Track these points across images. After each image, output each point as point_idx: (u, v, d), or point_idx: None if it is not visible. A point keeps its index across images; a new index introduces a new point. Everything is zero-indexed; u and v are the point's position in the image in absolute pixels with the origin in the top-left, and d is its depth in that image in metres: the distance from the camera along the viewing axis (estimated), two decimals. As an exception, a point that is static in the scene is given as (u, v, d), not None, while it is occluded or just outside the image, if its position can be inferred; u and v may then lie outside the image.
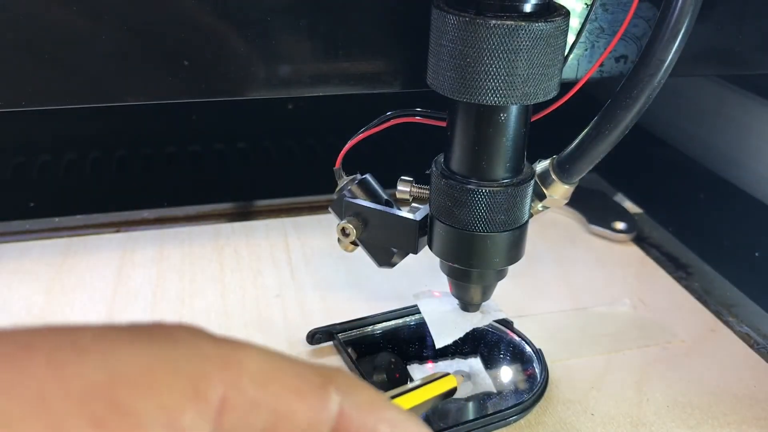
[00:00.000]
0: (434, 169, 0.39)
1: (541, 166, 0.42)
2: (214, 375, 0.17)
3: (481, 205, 0.37)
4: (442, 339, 0.43)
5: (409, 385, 0.34)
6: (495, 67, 0.33)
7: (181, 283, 0.54)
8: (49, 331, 0.17)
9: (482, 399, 0.43)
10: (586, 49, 0.41)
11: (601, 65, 0.42)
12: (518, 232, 0.39)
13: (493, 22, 0.32)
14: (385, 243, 0.43)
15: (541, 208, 0.43)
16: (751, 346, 0.49)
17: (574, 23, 0.39)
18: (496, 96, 0.34)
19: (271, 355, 0.19)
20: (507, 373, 0.45)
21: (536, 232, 0.60)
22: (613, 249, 0.61)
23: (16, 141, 0.75)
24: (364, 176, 0.45)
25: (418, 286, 0.52)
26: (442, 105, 0.39)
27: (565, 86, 0.39)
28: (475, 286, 0.41)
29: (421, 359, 0.46)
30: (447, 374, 0.36)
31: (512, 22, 0.32)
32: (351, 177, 0.45)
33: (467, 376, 0.44)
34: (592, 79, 0.40)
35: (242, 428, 0.18)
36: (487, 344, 0.47)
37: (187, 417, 0.16)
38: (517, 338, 0.47)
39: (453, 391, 0.36)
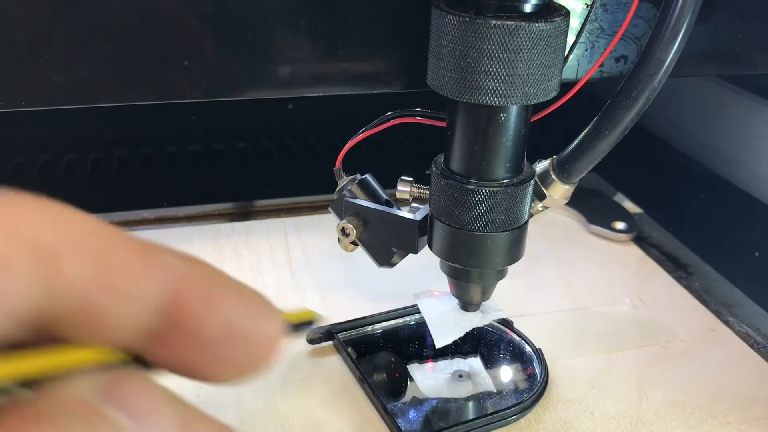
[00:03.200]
0: (434, 169, 0.39)
1: (541, 166, 0.42)
2: (36, 221, 0.16)
3: (481, 205, 0.37)
4: (442, 339, 0.43)
5: None
6: (495, 67, 0.33)
7: (181, 283, 0.54)
8: None
9: (482, 399, 0.43)
10: (586, 49, 0.41)
11: (601, 65, 0.42)
12: (518, 232, 0.39)
13: (493, 22, 0.32)
14: (385, 243, 0.43)
15: (541, 208, 0.43)
16: (751, 346, 0.49)
17: (574, 23, 0.39)
18: (496, 96, 0.34)
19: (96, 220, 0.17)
20: (507, 373, 0.45)
21: (536, 232, 0.61)
22: (613, 249, 0.61)
23: (16, 141, 0.75)
24: (364, 176, 0.45)
25: (418, 286, 0.52)
26: (442, 105, 0.39)
27: (565, 86, 0.39)
28: (475, 286, 0.42)
29: (421, 359, 0.46)
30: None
31: (512, 22, 0.32)
32: (351, 177, 0.45)
33: (467, 376, 0.44)
34: (592, 79, 0.40)
35: (66, 278, 0.16)
36: (487, 344, 0.47)
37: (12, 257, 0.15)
38: (516, 338, 0.47)
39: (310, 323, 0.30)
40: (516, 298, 0.52)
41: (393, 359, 0.46)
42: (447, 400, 0.43)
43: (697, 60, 0.44)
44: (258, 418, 0.41)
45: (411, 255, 0.44)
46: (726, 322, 0.51)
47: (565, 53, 0.36)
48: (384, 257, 0.44)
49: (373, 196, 0.44)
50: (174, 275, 0.17)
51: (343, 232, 0.43)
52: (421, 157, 0.42)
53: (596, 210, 0.64)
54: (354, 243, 0.44)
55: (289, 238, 0.60)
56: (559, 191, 0.42)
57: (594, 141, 0.39)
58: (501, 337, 0.48)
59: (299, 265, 0.56)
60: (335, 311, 0.51)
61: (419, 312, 0.45)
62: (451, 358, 0.46)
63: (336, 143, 0.76)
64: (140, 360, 0.18)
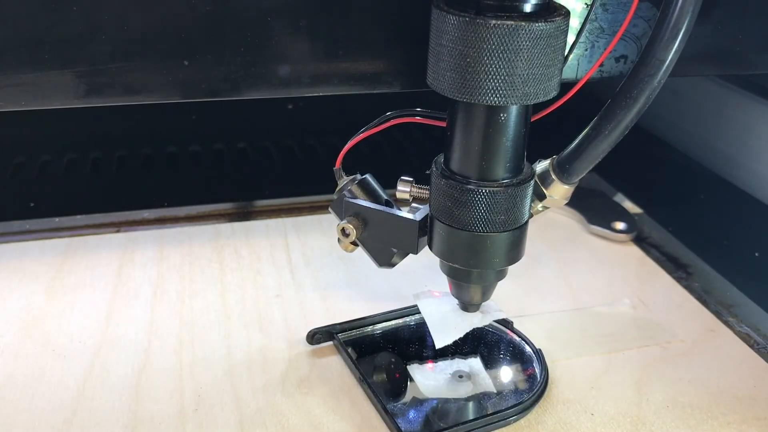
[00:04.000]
0: (434, 169, 0.39)
1: (541, 166, 0.42)
2: None
3: (481, 205, 0.37)
4: (442, 339, 0.43)
5: None
6: (495, 67, 0.33)
7: (181, 283, 0.54)
8: None
9: (482, 399, 0.43)
10: (586, 49, 0.41)
11: (601, 65, 0.42)
12: (518, 232, 0.39)
13: (493, 22, 0.32)
14: (385, 243, 0.43)
15: (541, 208, 0.43)
16: (751, 346, 0.49)
17: (574, 23, 0.39)
18: (496, 96, 0.34)
19: None
20: (507, 373, 0.45)
21: (536, 232, 0.61)
22: (613, 249, 0.61)
23: (16, 141, 0.75)
24: (364, 176, 0.45)
25: (418, 286, 0.52)
26: (442, 105, 0.39)
27: (565, 86, 0.39)
28: (475, 286, 0.41)
29: (421, 359, 0.46)
30: None
31: (512, 22, 0.32)
32: (351, 177, 0.45)
33: (467, 376, 0.44)
34: (592, 79, 0.40)
35: None
36: (487, 344, 0.47)
37: None
38: (517, 338, 0.47)
39: None
40: (516, 298, 0.52)
41: (393, 360, 0.46)
42: (447, 400, 0.43)
43: (697, 60, 0.44)
44: (258, 418, 0.41)
45: (411, 255, 0.44)
46: (726, 323, 0.51)
47: (565, 53, 0.36)
48: (384, 257, 0.44)
49: (373, 196, 0.44)
50: None
51: (343, 232, 0.43)
52: (421, 157, 0.42)
53: (596, 210, 0.64)
54: (354, 243, 0.44)
55: (289, 238, 0.60)
56: (559, 191, 0.42)
57: (594, 141, 0.39)
58: (501, 337, 0.48)
59: (299, 265, 0.57)
60: (335, 311, 0.51)
61: (419, 312, 0.45)
62: (451, 359, 0.46)
63: (336, 143, 0.76)
64: None
